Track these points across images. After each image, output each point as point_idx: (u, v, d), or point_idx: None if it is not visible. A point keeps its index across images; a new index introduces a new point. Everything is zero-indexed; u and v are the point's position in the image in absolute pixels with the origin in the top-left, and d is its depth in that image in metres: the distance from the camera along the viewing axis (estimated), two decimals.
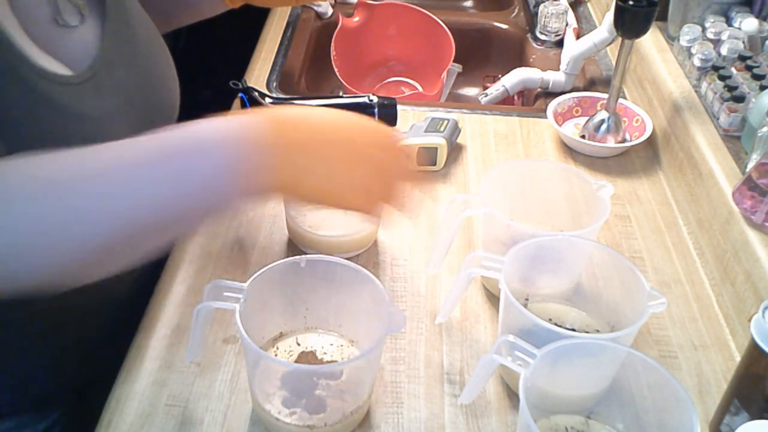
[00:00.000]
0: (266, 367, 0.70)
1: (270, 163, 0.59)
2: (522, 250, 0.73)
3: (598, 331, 0.78)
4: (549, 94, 1.25)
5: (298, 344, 0.76)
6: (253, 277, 0.69)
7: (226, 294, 0.67)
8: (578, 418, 0.69)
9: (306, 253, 0.88)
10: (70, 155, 0.57)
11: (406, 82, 1.47)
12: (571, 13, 1.37)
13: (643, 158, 1.09)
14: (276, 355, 0.74)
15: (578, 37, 1.27)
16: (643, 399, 0.67)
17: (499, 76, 1.31)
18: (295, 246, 0.90)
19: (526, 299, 0.81)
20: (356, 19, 1.40)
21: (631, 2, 0.96)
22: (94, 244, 0.56)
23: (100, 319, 0.83)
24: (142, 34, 0.80)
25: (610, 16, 1.12)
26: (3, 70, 0.62)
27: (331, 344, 0.76)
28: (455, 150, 1.07)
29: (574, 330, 0.77)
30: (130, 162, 0.57)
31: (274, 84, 1.22)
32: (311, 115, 0.65)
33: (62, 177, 0.56)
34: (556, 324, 0.72)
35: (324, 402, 0.69)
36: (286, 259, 0.71)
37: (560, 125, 1.12)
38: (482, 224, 0.88)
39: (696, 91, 1.04)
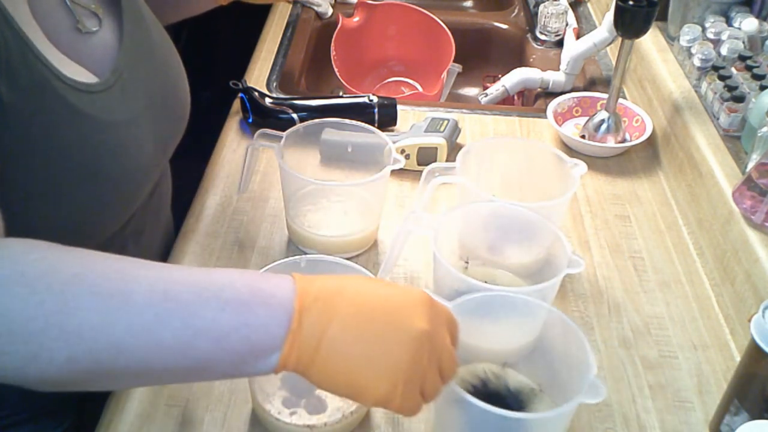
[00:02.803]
0: None
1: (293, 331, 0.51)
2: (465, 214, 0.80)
3: None
4: (549, 94, 1.24)
5: None
6: None
7: None
8: (495, 366, 0.73)
9: (306, 253, 0.88)
10: (95, 267, 0.50)
11: (406, 82, 1.47)
12: (571, 13, 1.37)
13: (643, 158, 1.09)
14: None
15: (578, 37, 1.27)
16: (554, 349, 0.69)
17: (499, 76, 1.31)
18: (295, 246, 0.90)
19: (466, 262, 0.83)
20: (356, 19, 1.40)
21: (631, 2, 0.96)
22: (94, 365, 0.49)
23: None
24: (155, 33, 0.81)
25: (610, 16, 1.12)
26: (34, 83, 0.62)
27: None
28: (455, 150, 1.07)
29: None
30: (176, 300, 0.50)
31: (274, 84, 1.22)
32: (349, 284, 0.55)
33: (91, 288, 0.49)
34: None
35: (324, 402, 0.69)
36: (286, 260, 0.71)
37: (560, 125, 1.12)
38: (458, 199, 0.89)
39: (696, 91, 1.04)
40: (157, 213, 0.87)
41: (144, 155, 0.74)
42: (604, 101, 1.08)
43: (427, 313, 0.53)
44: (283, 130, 0.87)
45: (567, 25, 1.35)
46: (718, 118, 0.98)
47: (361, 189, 0.91)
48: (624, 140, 1.09)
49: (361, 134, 0.91)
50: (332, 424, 0.68)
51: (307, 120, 0.95)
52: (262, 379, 0.70)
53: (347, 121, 0.91)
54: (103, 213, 0.70)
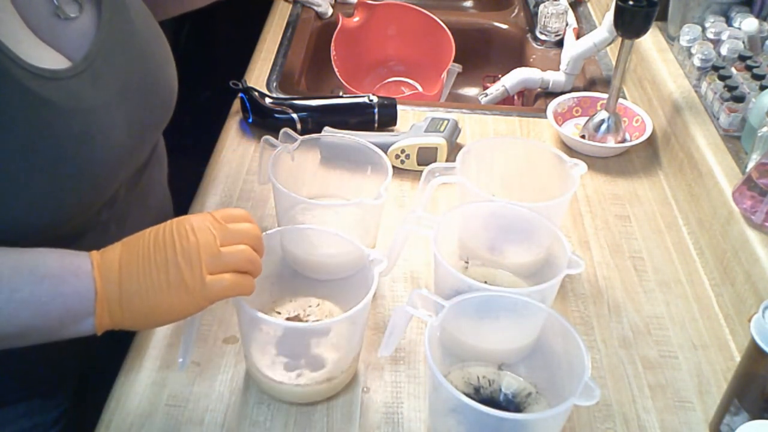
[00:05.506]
0: (262, 338, 0.72)
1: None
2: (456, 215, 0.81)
3: None
4: (549, 94, 1.25)
5: (279, 313, 0.77)
6: None
7: None
8: (491, 368, 0.73)
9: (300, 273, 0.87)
10: None
11: (406, 82, 1.47)
12: (571, 13, 1.37)
13: (643, 158, 1.09)
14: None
15: (578, 37, 1.27)
16: (552, 350, 0.70)
17: (499, 76, 1.31)
18: None
19: (466, 262, 0.84)
20: (356, 19, 1.40)
21: (631, 2, 0.96)
22: None
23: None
24: (138, 19, 0.80)
25: (610, 16, 1.12)
26: None
27: (310, 305, 0.78)
28: (455, 150, 1.07)
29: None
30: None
31: (274, 84, 1.22)
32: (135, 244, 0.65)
33: None
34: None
35: (322, 357, 0.71)
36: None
37: (560, 125, 1.12)
38: (458, 199, 0.89)
39: (696, 91, 1.04)
40: (144, 199, 0.85)
41: (113, 143, 0.73)
42: (604, 101, 1.09)
43: (184, 225, 0.64)
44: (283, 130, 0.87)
45: (567, 25, 1.35)
46: (718, 118, 0.98)
47: (356, 208, 0.87)
48: (624, 140, 1.09)
49: (361, 139, 0.90)
50: (340, 373, 0.71)
51: (307, 120, 0.95)
52: (258, 350, 0.72)
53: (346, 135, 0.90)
54: (65, 200, 0.69)
